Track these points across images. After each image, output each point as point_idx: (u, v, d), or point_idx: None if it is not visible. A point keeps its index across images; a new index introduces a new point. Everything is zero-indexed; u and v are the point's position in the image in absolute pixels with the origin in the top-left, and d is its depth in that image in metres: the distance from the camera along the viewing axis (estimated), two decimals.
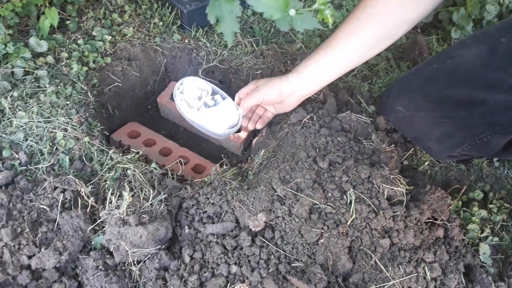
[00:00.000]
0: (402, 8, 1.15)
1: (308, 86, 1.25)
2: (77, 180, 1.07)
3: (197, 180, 1.20)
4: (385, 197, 1.09)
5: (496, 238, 1.21)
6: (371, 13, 1.16)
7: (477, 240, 1.20)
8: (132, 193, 1.06)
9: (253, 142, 1.50)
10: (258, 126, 1.39)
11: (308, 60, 1.23)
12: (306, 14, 0.58)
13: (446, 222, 1.15)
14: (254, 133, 1.50)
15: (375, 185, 1.09)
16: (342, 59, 1.22)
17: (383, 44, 1.23)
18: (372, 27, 1.17)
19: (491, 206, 1.29)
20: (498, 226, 1.24)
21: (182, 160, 1.32)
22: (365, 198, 1.06)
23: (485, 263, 1.16)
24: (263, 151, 1.33)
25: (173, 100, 1.33)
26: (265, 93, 1.26)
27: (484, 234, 1.21)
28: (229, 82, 1.56)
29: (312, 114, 1.30)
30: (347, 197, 1.06)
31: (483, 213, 1.25)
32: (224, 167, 1.26)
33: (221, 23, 0.66)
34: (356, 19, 1.18)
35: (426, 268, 1.04)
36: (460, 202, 1.26)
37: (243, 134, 1.46)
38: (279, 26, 0.61)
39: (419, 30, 1.80)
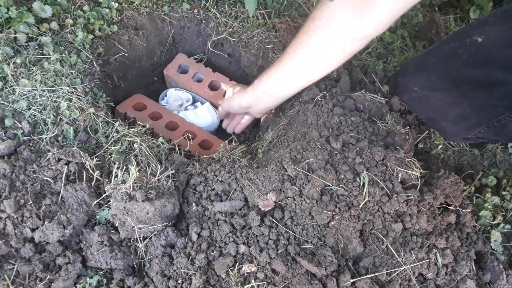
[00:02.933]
0: (352, 22, 1.07)
1: (262, 102, 1.27)
2: (81, 152, 1.03)
3: (205, 156, 1.17)
4: (399, 180, 1.06)
5: (507, 226, 1.19)
6: (318, 25, 1.10)
7: (489, 227, 1.18)
8: (139, 167, 1.03)
9: (261, 119, 1.46)
10: (236, 131, 1.46)
11: (263, 75, 1.23)
12: None
13: (459, 208, 1.13)
14: None
15: (389, 168, 1.06)
16: (292, 74, 1.19)
17: (335, 59, 1.16)
18: (319, 41, 1.11)
19: (504, 193, 1.26)
20: (511, 214, 1.22)
21: (189, 135, 1.29)
22: (378, 181, 1.03)
23: (496, 251, 1.14)
24: (272, 129, 1.29)
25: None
26: (228, 105, 1.36)
27: (496, 221, 1.18)
28: (238, 56, 1.51)
29: (325, 92, 1.25)
30: (360, 179, 1.02)
31: (496, 199, 1.23)
32: (233, 144, 1.22)
33: None
34: (304, 32, 1.13)
35: (438, 254, 1.02)
36: (472, 188, 1.23)
37: None
38: None
39: (436, 9, 1.74)
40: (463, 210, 1.13)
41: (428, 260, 1.00)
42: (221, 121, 1.52)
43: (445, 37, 1.56)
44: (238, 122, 1.44)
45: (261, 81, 1.23)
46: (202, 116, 1.46)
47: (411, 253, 0.99)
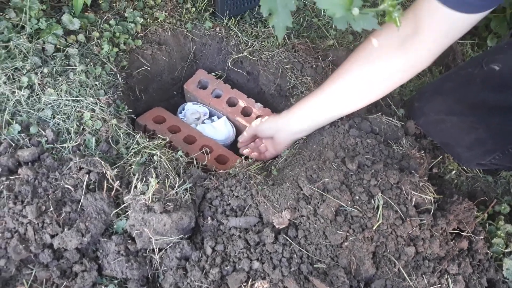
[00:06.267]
0: (392, 60, 1.08)
1: (295, 124, 1.25)
2: (102, 162, 1.06)
3: (221, 171, 1.19)
4: (413, 204, 1.07)
5: None
6: (360, 57, 1.12)
7: (501, 255, 1.17)
8: (158, 179, 1.05)
9: None
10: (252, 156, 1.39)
11: (302, 100, 1.24)
12: (369, 14, 0.56)
13: (472, 234, 1.13)
14: None
15: (404, 192, 1.07)
16: (330, 101, 1.19)
17: (371, 92, 1.17)
18: (358, 72, 1.13)
19: None
20: None
21: (206, 149, 1.31)
22: (393, 204, 1.04)
23: (508, 279, 1.14)
24: (288, 147, 1.31)
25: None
26: (261, 123, 1.33)
27: (509, 249, 1.18)
28: (257, 74, 1.54)
29: None
30: (374, 201, 1.04)
31: (509, 227, 1.22)
32: (249, 160, 1.24)
33: (273, 16, 0.64)
34: (347, 61, 1.15)
35: (449, 280, 1.02)
36: (486, 215, 1.24)
37: None
38: (336, 24, 0.59)
39: None
40: (476, 237, 1.13)
41: (439, 285, 1.00)
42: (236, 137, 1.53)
43: (462, 63, 1.58)
44: (260, 151, 1.41)
45: (300, 103, 1.23)
46: (219, 130, 1.49)
47: (423, 278, 0.99)
